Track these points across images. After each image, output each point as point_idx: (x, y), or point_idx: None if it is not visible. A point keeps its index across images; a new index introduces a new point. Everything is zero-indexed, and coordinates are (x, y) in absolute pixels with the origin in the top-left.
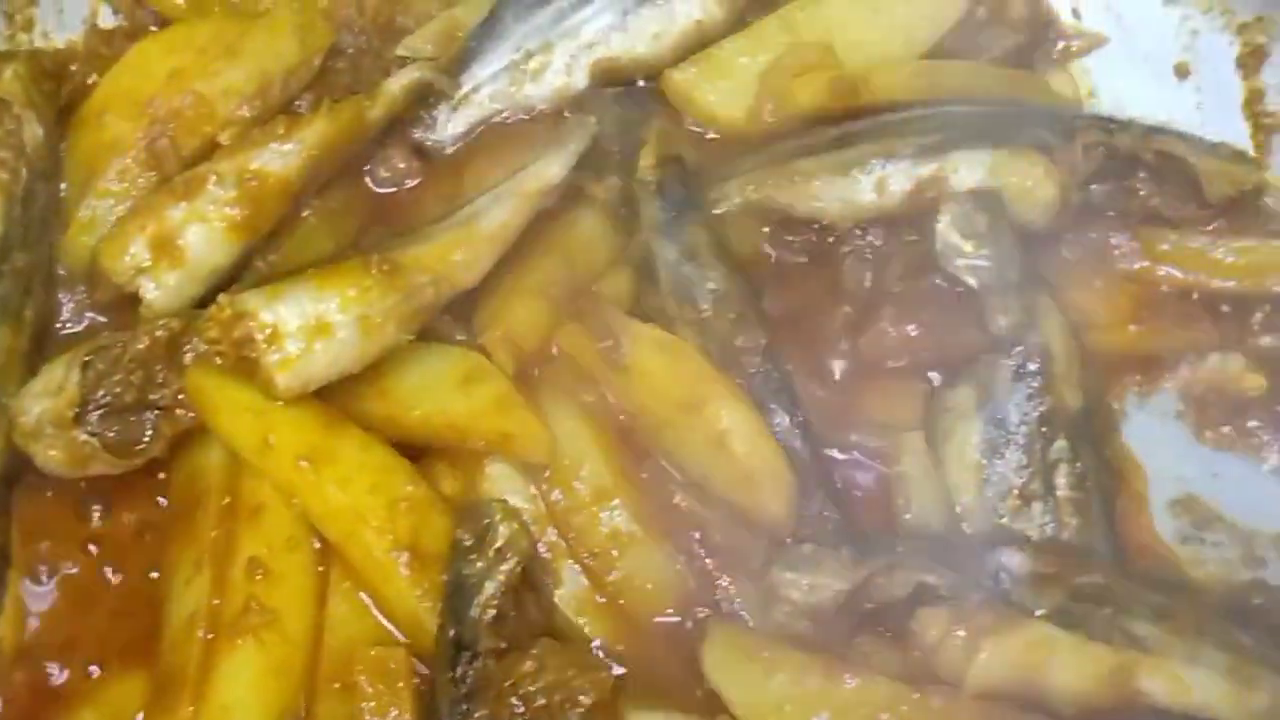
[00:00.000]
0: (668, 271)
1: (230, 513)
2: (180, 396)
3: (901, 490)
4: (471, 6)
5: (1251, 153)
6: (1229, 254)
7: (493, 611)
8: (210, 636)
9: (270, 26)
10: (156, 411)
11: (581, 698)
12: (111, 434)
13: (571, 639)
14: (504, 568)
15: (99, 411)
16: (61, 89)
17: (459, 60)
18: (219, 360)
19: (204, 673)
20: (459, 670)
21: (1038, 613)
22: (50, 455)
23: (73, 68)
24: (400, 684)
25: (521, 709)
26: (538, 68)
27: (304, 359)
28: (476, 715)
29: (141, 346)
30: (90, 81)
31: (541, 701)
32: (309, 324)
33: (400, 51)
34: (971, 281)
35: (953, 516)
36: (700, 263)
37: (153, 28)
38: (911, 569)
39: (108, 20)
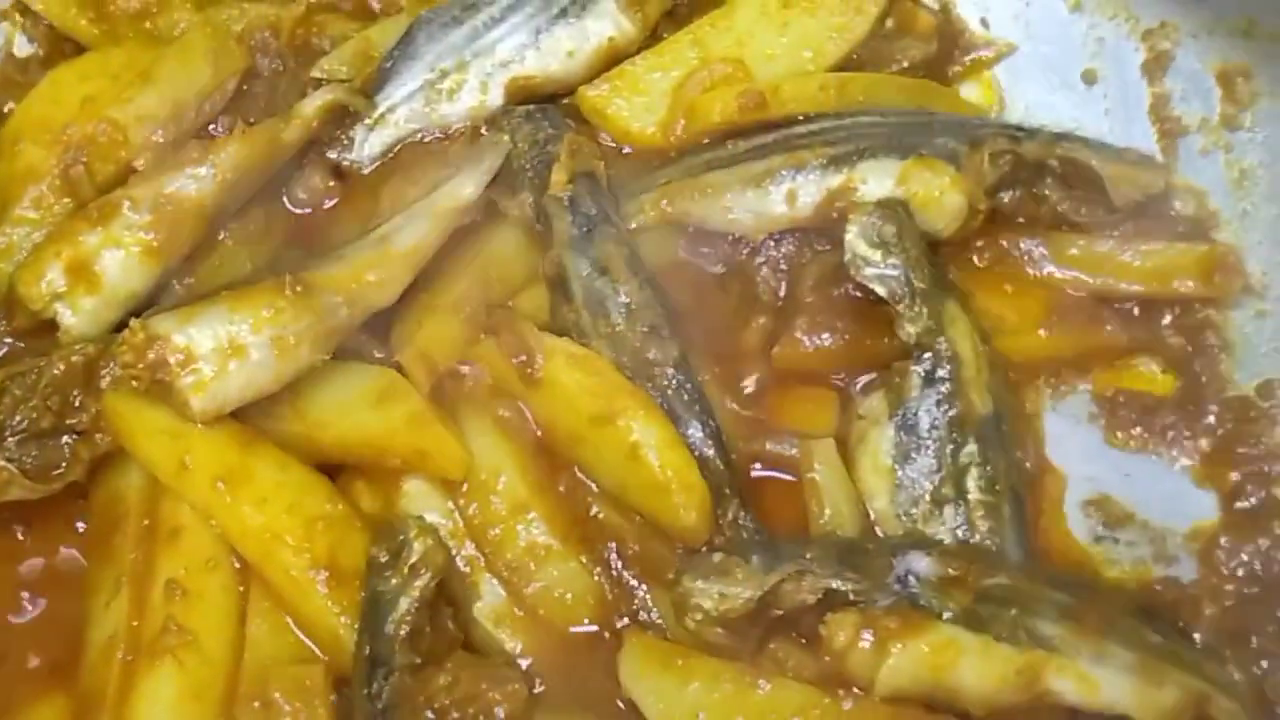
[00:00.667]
0: (580, 285)
1: (149, 535)
2: (98, 420)
3: (815, 496)
4: (386, 28)
5: (1158, 157)
6: (1137, 257)
7: (407, 627)
8: (129, 658)
9: (183, 52)
10: (74, 436)
11: (496, 710)
12: (29, 459)
13: (488, 653)
14: (418, 583)
15: (16, 437)
16: None
17: (375, 81)
18: (135, 384)
19: (123, 694)
20: (374, 686)
21: (945, 615)
22: None
23: None
24: (316, 701)
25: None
26: (453, 87)
27: (218, 381)
28: None
29: (58, 371)
30: (5, 110)
31: (455, 715)
32: (222, 346)
33: (315, 73)
34: (880, 290)
35: (866, 522)
36: (612, 276)
37: (68, 55)
38: (820, 575)
39: (23, 48)
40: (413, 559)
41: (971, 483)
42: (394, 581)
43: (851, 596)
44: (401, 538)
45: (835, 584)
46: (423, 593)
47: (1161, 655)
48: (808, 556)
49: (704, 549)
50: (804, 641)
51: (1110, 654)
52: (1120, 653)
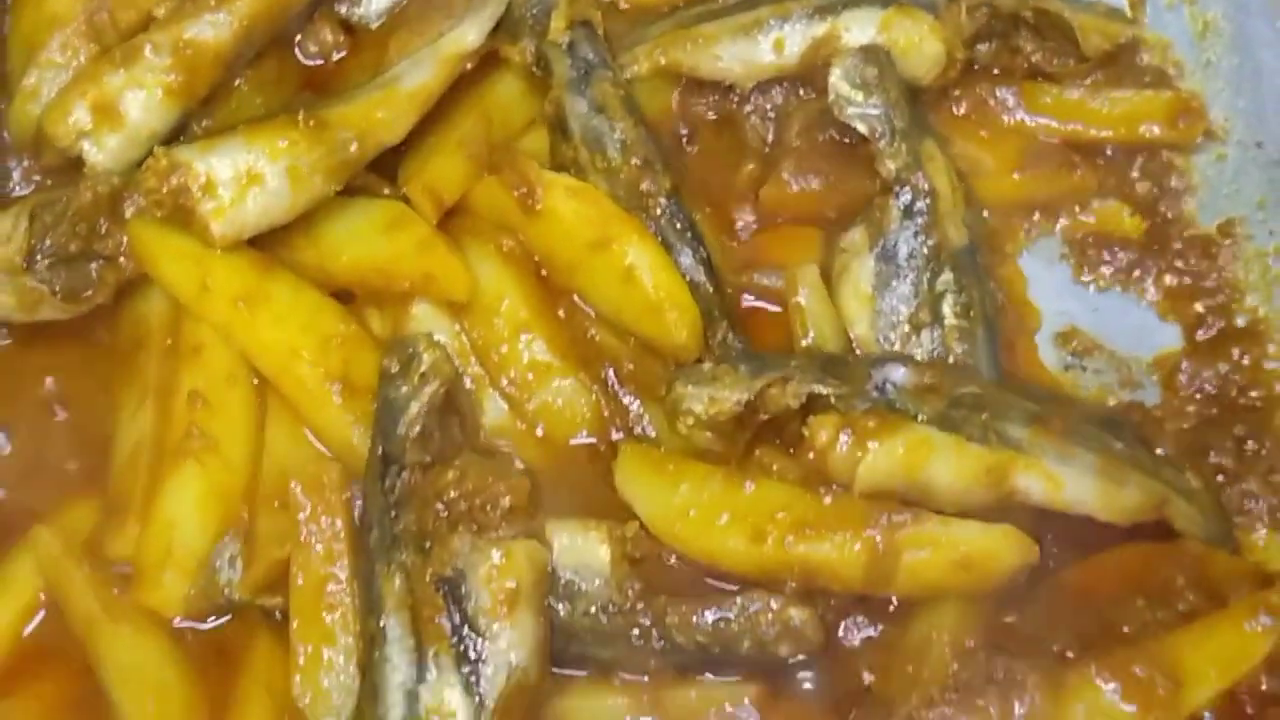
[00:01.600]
0: (578, 124)
1: (171, 353)
2: (123, 247)
3: (799, 320)
4: None
5: (1126, 10)
6: (1106, 104)
7: (418, 429)
8: (154, 463)
9: None
10: (100, 261)
11: (502, 501)
12: (59, 282)
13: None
14: (428, 390)
15: (46, 261)
16: None
17: None
18: (158, 211)
19: (150, 494)
20: (388, 481)
21: (920, 417)
22: (2, 300)
23: None
24: (333, 496)
25: (445, 513)
26: None
27: (237, 207)
28: (404, 520)
29: (85, 200)
30: None
31: (464, 506)
32: (241, 174)
33: None
34: (862, 128)
35: (847, 346)
36: (609, 115)
37: None
38: (804, 380)
39: None
40: (422, 368)
41: (947, 308)
42: (404, 389)
43: (833, 400)
44: (411, 350)
45: (818, 388)
46: (432, 398)
47: (1124, 460)
48: (792, 365)
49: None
50: (785, 449)
51: (1075, 455)
52: (1084, 455)
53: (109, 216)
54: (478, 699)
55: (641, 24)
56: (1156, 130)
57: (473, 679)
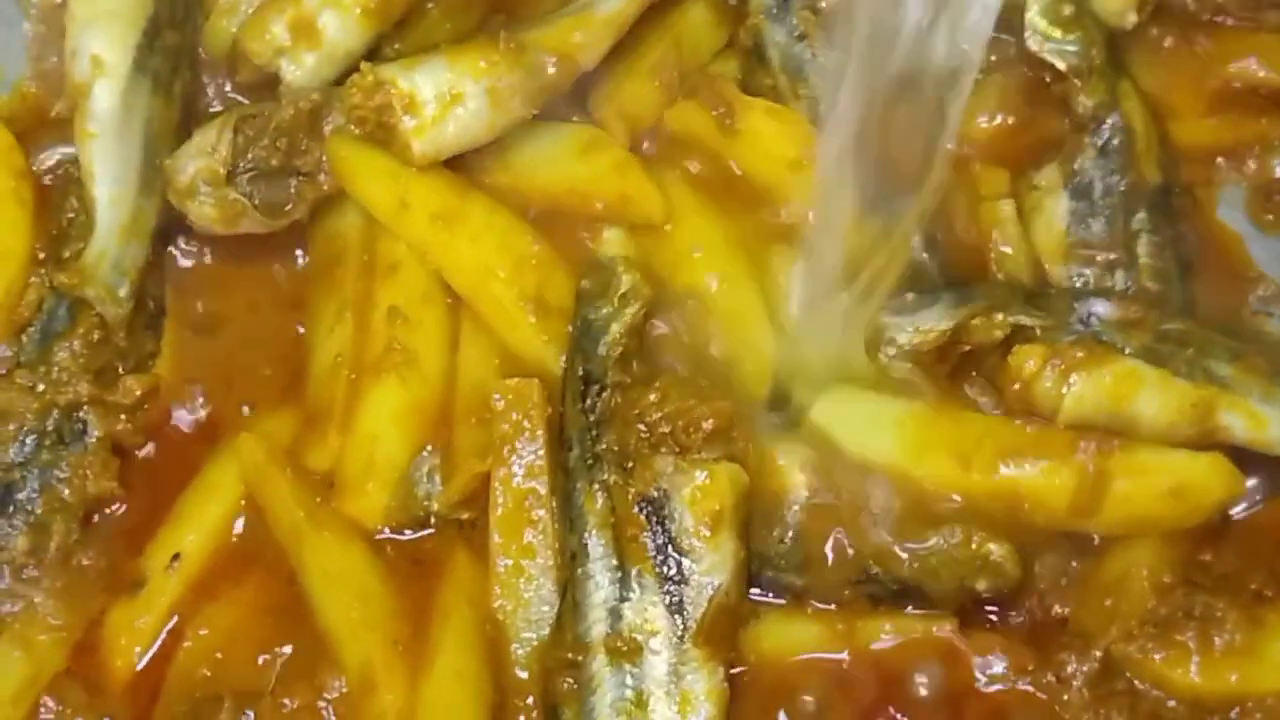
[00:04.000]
0: (778, 51)
1: (369, 269)
2: (321, 164)
3: (994, 254)
4: None
5: None
6: None
7: (619, 349)
8: (354, 376)
9: None
10: (300, 177)
11: (704, 423)
12: (259, 195)
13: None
14: (629, 310)
15: (247, 174)
16: None
17: None
18: (359, 128)
19: (349, 407)
20: (588, 401)
21: (1126, 350)
22: (204, 211)
23: None
24: (534, 411)
25: (646, 434)
26: None
27: (438, 126)
28: (605, 440)
29: (286, 115)
30: None
31: (665, 429)
32: (443, 93)
33: None
34: (1060, 65)
35: (1042, 283)
36: (809, 42)
37: None
38: (1009, 311)
39: None
40: (622, 289)
41: (1142, 248)
42: (604, 310)
43: (1038, 332)
44: (610, 271)
45: (1023, 319)
46: (633, 318)
47: None
48: (997, 295)
49: None
50: (985, 383)
51: (1278, 396)
52: None
53: (308, 133)
54: (680, 618)
55: None
56: None
57: (675, 599)
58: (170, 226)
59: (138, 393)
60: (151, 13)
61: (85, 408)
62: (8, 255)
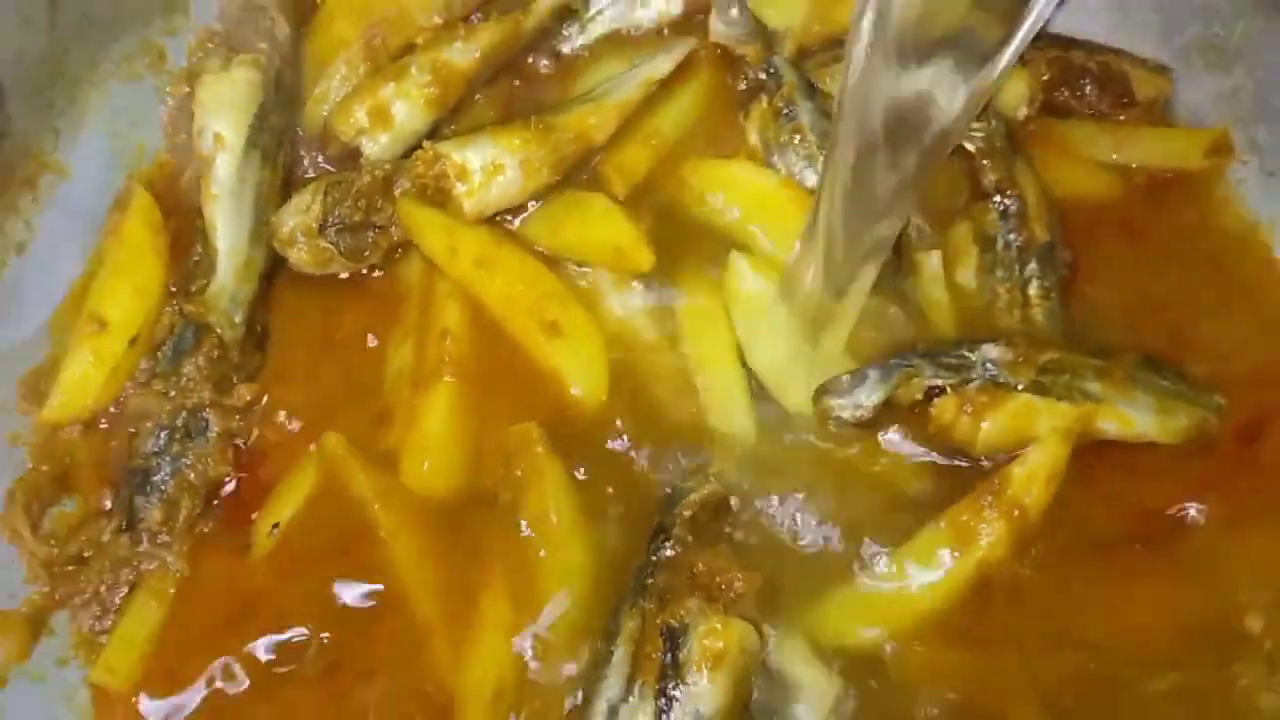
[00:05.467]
0: (809, 118)
1: (426, 303)
2: (393, 219)
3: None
4: None
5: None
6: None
7: (690, 512)
8: (416, 381)
9: None
10: (375, 230)
11: (735, 583)
12: (344, 244)
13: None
14: (707, 488)
15: (335, 228)
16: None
17: None
18: (420, 193)
19: (411, 405)
20: (654, 545)
21: (1019, 387)
22: (301, 256)
23: None
24: (539, 448)
25: (689, 580)
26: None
27: (483, 190)
28: (657, 577)
29: (365, 182)
30: None
31: (705, 582)
32: (487, 164)
33: None
34: (969, 147)
35: (958, 315)
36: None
37: None
38: (924, 376)
39: None
40: (703, 494)
41: (1033, 290)
42: (688, 484)
43: (948, 389)
44: (702, 477)
45: (936, 381)
46: (709, 496)
47: (1170, 393)
48: (914, 362)
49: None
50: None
51: (1137, 398)
52: (1143, 396)
53: (382, 195)
54: None
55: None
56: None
57: (664, 713)
58: (275, 267)
59: (248, 398)
60: (261, 100)
61: (207, 410)
62: (146, 291)
